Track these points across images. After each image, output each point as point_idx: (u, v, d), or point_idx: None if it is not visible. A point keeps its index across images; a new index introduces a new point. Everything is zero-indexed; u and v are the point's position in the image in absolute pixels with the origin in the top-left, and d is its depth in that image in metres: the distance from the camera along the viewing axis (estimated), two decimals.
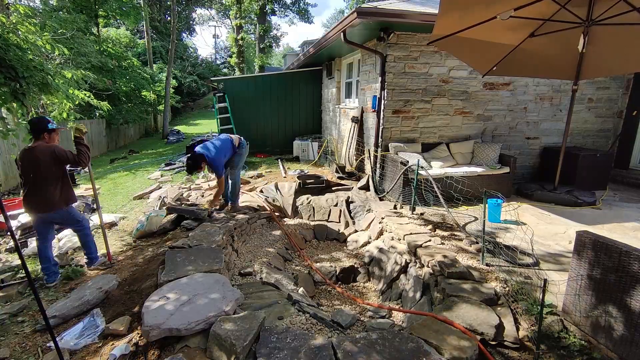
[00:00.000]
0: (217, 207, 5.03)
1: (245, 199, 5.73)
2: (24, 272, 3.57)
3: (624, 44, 4.11)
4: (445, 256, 3.36)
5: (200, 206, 5.14)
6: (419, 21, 4.89)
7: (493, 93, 6.11)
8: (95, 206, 6.26)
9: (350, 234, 5.29)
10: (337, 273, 4.41)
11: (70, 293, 3.27)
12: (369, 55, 6.28)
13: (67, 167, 3.66)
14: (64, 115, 6.08)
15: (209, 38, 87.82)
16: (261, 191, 6.11)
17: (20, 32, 4.73)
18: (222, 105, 9.98)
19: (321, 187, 6.22)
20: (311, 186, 6.20)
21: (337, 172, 7.04)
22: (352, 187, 6.29)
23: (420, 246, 3.69)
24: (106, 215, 5.61)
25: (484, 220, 3.37)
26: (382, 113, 5.78)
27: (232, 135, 5.04)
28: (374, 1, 6.28)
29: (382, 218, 4.72)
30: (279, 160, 9.05)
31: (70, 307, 2.97)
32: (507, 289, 2.95)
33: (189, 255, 3.48)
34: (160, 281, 3.00)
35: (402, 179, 5.09)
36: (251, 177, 7.26)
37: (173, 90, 21.58)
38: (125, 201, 6.61)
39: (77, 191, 7.38)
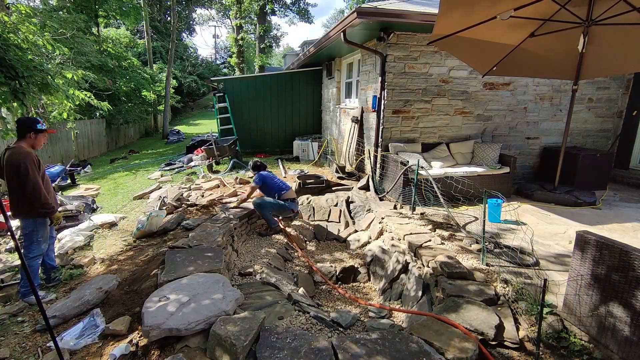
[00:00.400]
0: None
1: None
2: (24, 273, 3.57)
3: (624, 44, 4.10)
4: (445, 256, 3.36)
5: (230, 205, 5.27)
6: (419, 21, 4.89)
7: (493, 93, 6.11)
8: (95, 206, 6.27)
9: (350, 234, 5.29)
10: (337, 273, 4.41)
11: (70, 293, 3.27)
12: (369, 55, 6.28)
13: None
14: (64, 115, 6.09)
15: (209, 38, 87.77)
16: None
17: (20, 32, 4.74)
18: (222, 105, 9.98)
19: (321, 187, 6.22)
20: (311, 186, 6.19)
21: (337, 172, 7.04)
22: (352, 187, 6.28)
23: (421, 246, 3.69)
24: (106, 215, 5.62)
25: (484, 220, 3.37)
26: (382, 113, 5.78)
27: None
28: (374, 1, 6.28)
29: (382, 218, 4.72)
30: (279, 160, 9.05)
31: (70, 307, 2.97)
32: (507, 289, 2.95)
33: (189, 255, 3.48)
34: (160, 281, 3.00)
35: (402, 179, 5.09)
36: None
37: (173, 90, 21.58)
38: (125, 201, 6.61)
39: (77, 191, 7.38)
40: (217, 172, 8.18)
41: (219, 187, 6.69)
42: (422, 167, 4.74)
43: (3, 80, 4.00)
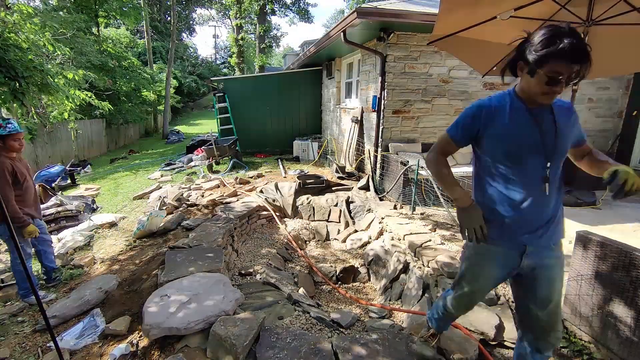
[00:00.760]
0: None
1: (245, 199, 5.73)
2: (24, 272, 3.56)
3: (624, 44, 4.10)
4: (445, 256, 3.36)
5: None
6: (419, 21, 4.89)
7: (493, 93, 6.10)
8: (95, 206, 6.27)
9: (350, 234, 5.29)
10: (337, 273, 4.41)
11: (70, 293, 3.27)
12: (369, 55, 6.28)
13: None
14: (65, 115, 6.10)
15: (209, 38, 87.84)
16: (261, 191, 6.11)
17: (21, 32, 4.74)
18: (222, 105, 9.98)
19: (321, 187, 6.22)
20: (311, 186, 6.19)
21: (337, 172, 7.04)
22: (352, 187, 6.28)
23: (421, 246, 3.69)
24: (106, 215, 5.62)
25: None
26: (382, 113, 5.78)
27: None
28: (374, 1, 6.28)
29: (382, 218, 4.72)
30: (279, 160, 9.05)
31: (70, 307, 2.97)
32: (507, 288, 2.95)
33: (189, 256, 3.48)
34: (160, 281, 3.00)
35: (402, 179, 5.09)
36: (251, 177, 7.26)
37: (173, 90, 21.60)
38: (125, 201, 6.61)
39: (77, 191, 7.38)
40: (217, 172, 8.18)
41: (219, 187, 6.69)
42: (422, 167, 4.74)
43: (3, 80, 4.00)
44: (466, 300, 1.81)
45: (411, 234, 4.02)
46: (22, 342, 2.67)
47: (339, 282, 4.38)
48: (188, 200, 5.83)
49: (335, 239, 5.45)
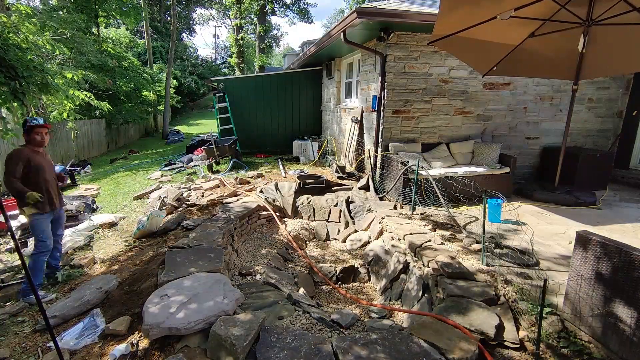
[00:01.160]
0: None
1: (245, 199, 5.73)
2: (24, 272, 3.57)
3: (624, 44, 4.10)
4: (445, 256, 3.36)
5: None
6: (419, 21, 4.89)
7: (493, 93, 6.10)
8: (95, 206, 6.27)
9: (350, 234, 5.29)
10: (337, 273, 4.41)
11: (70, 293, 3.27)
12: (369, 55, 6.28)
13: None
14: (65, 115, 6.09)
15: (209, 38, 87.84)
16: (261, 191, 6.11)
17: (20, 32, 4.74)
18: (222, 105, 9.98)
19: (321, 187, 6.22)
20: (311, 186, 6.19)
21: (337, 172, 7.04)
22: (352, 187, 6.28)
23: (421, 246, 3.69)
24: (106, 215, 5.62)
25: (484, 220, 3.37)
26: (382, 113, 5.78)
27: None
28: (374, 1, 6.28)
29: (382, 218, 4.72)
30: (279, 160, 9.05)
31: (70, 307, 2.97)
32: (507, 289, 2.95)
33: (189, 256, 3.48)
34: (160, 281, 3.00)
35: (402, 179, 5.09)
36: (251, 177, 7.26)
37: (173, 90, 21.58)
38: (125, 201, 6.61)
39: (77, 191, 7.38)
40: (217, 172, 8.18)
41: (219, 187, 6.69)
42: (422, 167, 4.74)
43: (3, 80, 3.99)
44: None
45: (411, 234, 4.02)
46: (22, 342, 2.67)
47: (339, 282, 4.38)
48: (188, 200, 5.83)
49: (335, 239, 5.45)
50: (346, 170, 7.11)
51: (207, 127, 19.75)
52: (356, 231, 5.32)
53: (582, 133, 6.70)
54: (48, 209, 3.43)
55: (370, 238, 4.88)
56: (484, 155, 5.70)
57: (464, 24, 3.83)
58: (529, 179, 6.58)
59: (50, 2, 14.04)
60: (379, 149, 5.96)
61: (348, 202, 5.81)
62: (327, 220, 5.73)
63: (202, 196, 6.05)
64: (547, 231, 4.16)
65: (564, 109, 6.38)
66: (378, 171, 6.03)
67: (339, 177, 6.85)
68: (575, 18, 3.91)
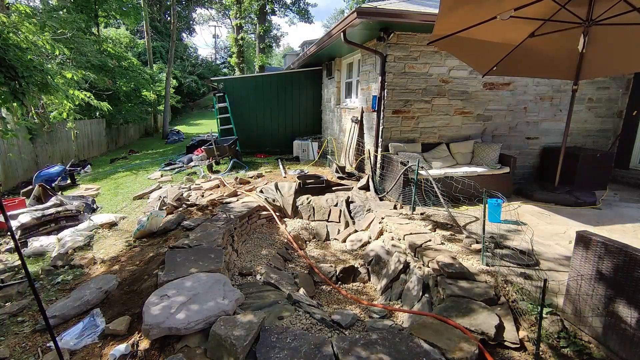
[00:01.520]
0: None
1: (245, 199, 5.73)
2: (24, 272, 3.57)
3: (624, 44, 4.10)
4: (445, 256, 3.36)
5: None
6: (419, 21, 4.89)
7: (493, 93, 6.11)
8: (95, 206, 6.27)
9: (350, 234, 5.29)
10: (337, 273, 4.41)
11: (70, 293, 3.27)
12: (369, 55, 6.28)
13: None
14: (64, 115, 6.09)
15: (209, 38, 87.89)
16: (261, 191, 6.11)
17: (20, 32, 4.73)
18: (222, 105, 9.98)
19: (321, 187, 6.22)
20: (311, 186, 6.19)
21: (337, 172, 7.04)
22: (352, 187, 6.28)
23: (421, 246, 3.69)
24: (106, 215, 5.61)
25: (484, 220, 3.37)
26: (382, 113, 5.78)
27: None
28: (374, 1, 6.28)
29: (382, 218, 4.72)
30: (279, 160, 9.05)
31: (70, 307, 2.97)
32: (507, 289, 2.95)
33: (189, 256, 3.48)
34: (160, 281, 3.00)
35: (402, 179, 5.09)
36: (251, 177, 7.26)
37: (173, 90, 21.58)
38: (125, 201, 6.61)
39: (77, 191, 7.39)
40: (217, 172, 8.18)
41: (219, 187, 6.69)
42: (422, 167, 4.74)
43: (3, 80, 3.99)
44: None
45: (411, 234, 4.02)
46: (22, 342, 2.67)
47: (339, 282, 4.38)
48: (188, 200, 5.83)
49: (335, 239, 5.45)
50: (346, 170, 7.11)
51: (207, 127, 19.76)
52: (356, 231, 5.32)
53: (582, 133, 6.70)
54: None
55: (370, 238, 4.88)
56: (484, 155, 5.70)
57: (464, 24, 3.83)
58: (529, 179, 6.58)
59: (50, 2, 14.03)
60: (379, 149, 5.96)
61: (348, 202, 5.81)
62: (327, 220, 5.73)
63: (202, 196, 6.05)
64: (547, 231, 4.16)
65: (564, 109, 6.38)
66: (378, 171, 6.03)
67: (339, 177, 6.85)
68: (575, 18, 3.91)
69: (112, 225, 5.27)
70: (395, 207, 5.09)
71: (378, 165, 6.02)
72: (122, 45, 19.33)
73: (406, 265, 3.84)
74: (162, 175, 8.43)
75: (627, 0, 3.38)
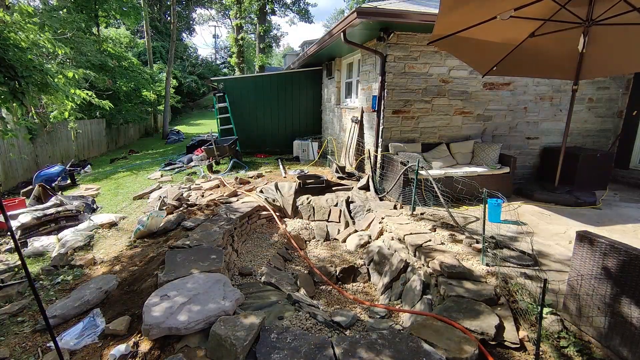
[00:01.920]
0: None
1: (245, 199, 5.73)
2: (24, 272, 3.57)
3: (624, 44, 4.10)
4: (445, 256, 3.36)
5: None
6: (419, 21, 4.89)
7: (493, 93, 6.10)
8: (95, 206, 6.27)
9: (350, 234, 5.29)
10: (337, 273, 4.41)
11: (70, 293, 3.27)
12: (369, 55, 6.28)
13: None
14: (65, 115, 6.08)
15: (209, 38, 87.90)
16: (261, 191, 6.11)
17: (20, 32, 4.73)
18: (222, 105, 9.98)
19: (321, 187, 6.22)
20: (311, 186, 6.19)
21: (337, 172, 7.04)
22: (352, 187, 6.28)
23: (421, 246, 3.69)
24: (106, 215, 5.61)
25: (484, 220, 3.37)
26: (382, 113, 5.78)
27: None
28: (374, 1, 6.28)
29: (382, 218, 4.72)
30: (279, 160, 9.05)
31: (70, 307, 2.97)
32: (507, 288, 2.95)
33: (189, 255, 3.48)
34: (160, 281, 3.00)
35: (402, 179, 5.09)
36: (251, 177, 7.26)
37: (173, 90, 21.56)
38: (125, 201, 6.61)
39: (77, 191, 7.39)
40: (217, 172, 8.18)
41: (219, 187, 6.69)
42: (422, 167, 4.74)
43: (2, 80, 3.99)
44: None
45: (411, 234, 4.02)
46: (22, 342, 2.67)
47: (339, 282, 4.38)
48: (188, 200, 5.83)
49: (335, 239, 5.45)
50: (346, 170, 7.11)
51: (207, 127, 19.75)
52: (356, 231, 5.32)
53: (582, 133, 6.70)
54: None
55: (371, 238, 4.88)
56: (484, 155, 5.70)
57: (464, 24, 3.83)
58: (529, 179, 6.58)
59: (50, 1, 14.03)
60: (379, 149, 5.96)
61: (348, 202, 5.81)
62: (327, 220, 5.73)
63: (202, 196, 6.05)
64: (547, 231, 4.16)
65: (564, 109, 6.38)
66: (378, 171, 6.03)
67: (339, 177, 6.85)
68: (575, 18, 3.91)
69: (112, 225, 5.27)
70: (395, 207, 5.09)
71: (378, 165, 6.02)
72: (122, 45, 19.32)
73: (406, 265, 3.85)
74: (162, 175, 8.43)
75: (627, 0, 3.38)
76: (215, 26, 50.50)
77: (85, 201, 6.09)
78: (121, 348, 2.40)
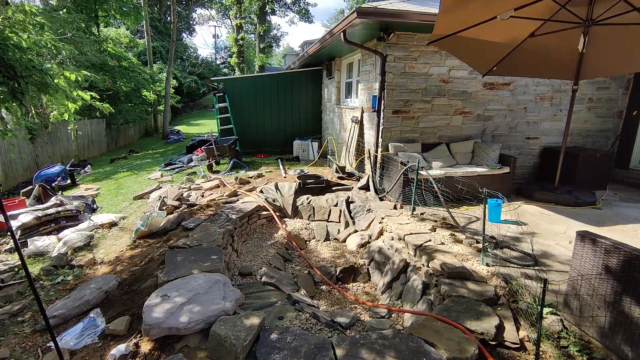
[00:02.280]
0: None
1: (246, 199, 5.73)
2: (24, 272, 3.57)
3: (624, 44, 4.11)
4: (445, 256, 3.36)
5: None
6: (419, 21, 4.89)
7: (493, 93, 6.10)
8: (95, 206, 6.27)
9: (350, 234, 5.29)
10: (337, 273, 4.41)
11: (70, 293, 3.27)
12: (369, 55, 6.28)
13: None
14: (66, 116, 6.07)
15: (209, 38, 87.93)
16: (261, 191, 6.11)
17: (22, 32, 4.73)
18: (222, 105, 9.98)
19: (321, 187, 6.22)
20: (311, 186, 6.19)
21: (337, 172, 7.04)
22: (352, 187, 6.28)
23: (421, 246, 3.69)
24: (106, 215, 5.61)
25: (484, 220, 3.37)
26: (382, 113, 5.78)
27: None
28: (374, 1, 6.28)
29: (382, 218, 4.72)
30: (279, 160, 9.05)
31: (70, 307, 2.97)
32: (507, 288, 2.95)
33: (189, 255, 3.48)
34: (160, 281, 3.00)
35: (402, 179, 5.09)
36: (251, 177, 7.26)
37: (173, 90, 21.56)
38: (125, 201, 6.61)
39: (77, 191, 7.39)
40: (217, 172, 8.18)
41: (219, 187, 6.69)
42: (422, 167, 4.74)
43: (2, 80, 3.99)
44: None
45: (411, 234, 4.02)
46: (22, 342, 2.67)
47: (339, 282, 4.38)
48: (188, 200, 5.83)
49: (336, 239, 5.45)
50: (346, 170, 7.11)
51: (207, 127, 19.75)
52: (356, 231, 5.32)
53: (582, 133, 6.70)
54: None
55: (371, 238, 4.88)
56: (484, 155, 5.70)
57: (464, 24, 3.83)
58: (529, 179, 6.58)
59: (50, 1, 14.03)
60: (379, 149, 5.96)
61: (348, 202, 5.81)
62: (327, 220, 5.73)
63: (202, 196, 6.05)
64: (547, 231, 4.16)
65: (564, 109, 6.38)
66: (378, 171, 6.03)
67: (339, 177, 6.85)
68: (575, 18, 3.91)
69: (112, 225, 5.27)
70: (395, 207, 5.09)
71: (378, 165, 6.02)
72: (122, 45, 19.32)
73: (406, 265, 3.84)
74: (162, 175, 8.43)
75: (627, 0, 3.38)
76: (215, 26, 50.58)
77: (85, 201, 6.09)
78: (121, 348, 2.40)
